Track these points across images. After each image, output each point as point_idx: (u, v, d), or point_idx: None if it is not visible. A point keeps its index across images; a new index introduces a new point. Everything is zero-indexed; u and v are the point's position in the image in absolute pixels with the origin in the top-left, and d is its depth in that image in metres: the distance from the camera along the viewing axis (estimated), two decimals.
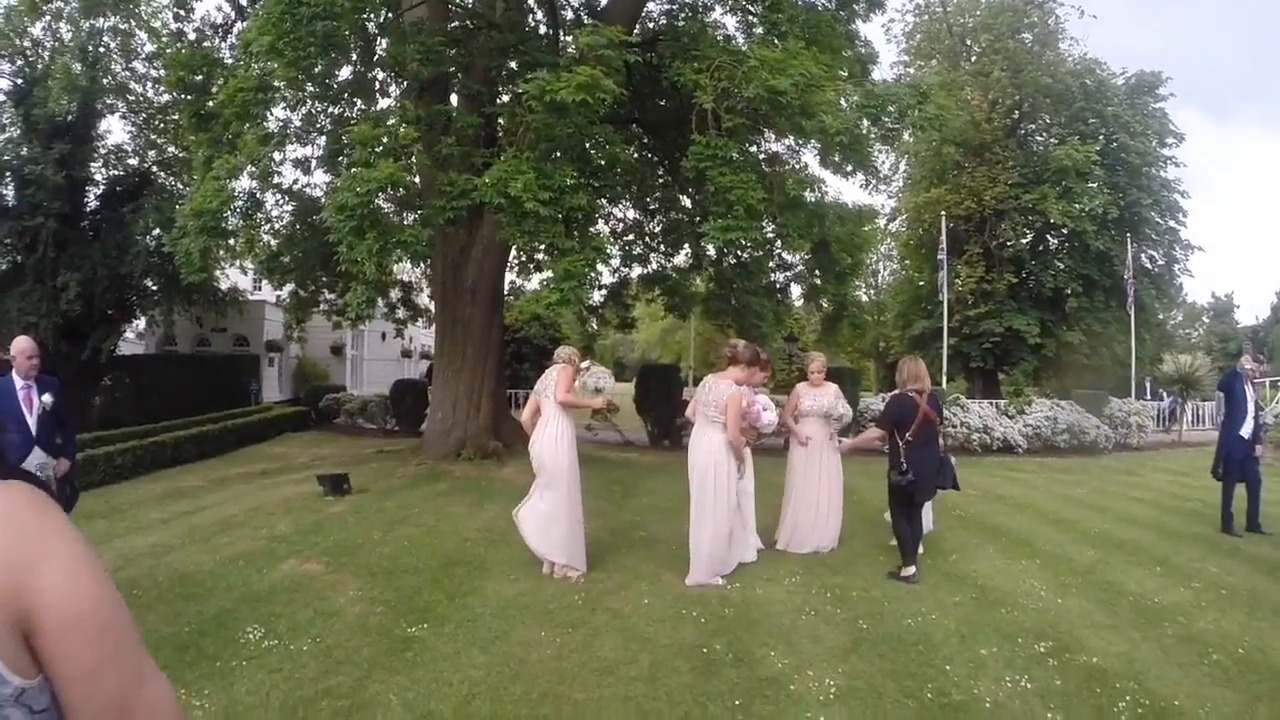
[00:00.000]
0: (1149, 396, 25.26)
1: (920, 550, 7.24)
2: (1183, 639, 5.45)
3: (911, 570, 6.80)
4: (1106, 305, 28.31)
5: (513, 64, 13.20)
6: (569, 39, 13.53)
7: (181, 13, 17.26)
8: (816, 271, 17.23)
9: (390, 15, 13.14)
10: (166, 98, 20.07)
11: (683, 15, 15.70)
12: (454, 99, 13.86)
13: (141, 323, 25.76)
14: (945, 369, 25.36)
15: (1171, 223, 29.65)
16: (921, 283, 33.13)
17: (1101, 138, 28.40)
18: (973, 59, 31.18)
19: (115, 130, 42.52)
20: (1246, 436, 9.09)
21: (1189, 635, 5.52)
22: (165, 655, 4.93)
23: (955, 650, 5.18)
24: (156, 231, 20.01)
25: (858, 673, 4.82)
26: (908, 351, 31.44)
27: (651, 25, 15.91)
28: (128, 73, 21.80)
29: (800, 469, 8.04)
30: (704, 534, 6.63)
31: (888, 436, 7.08)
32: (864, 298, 40.52)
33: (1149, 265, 29.67)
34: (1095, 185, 27.29)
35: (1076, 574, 7.13)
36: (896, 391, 7.25)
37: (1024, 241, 30.46)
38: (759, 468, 8.15)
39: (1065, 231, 28.52)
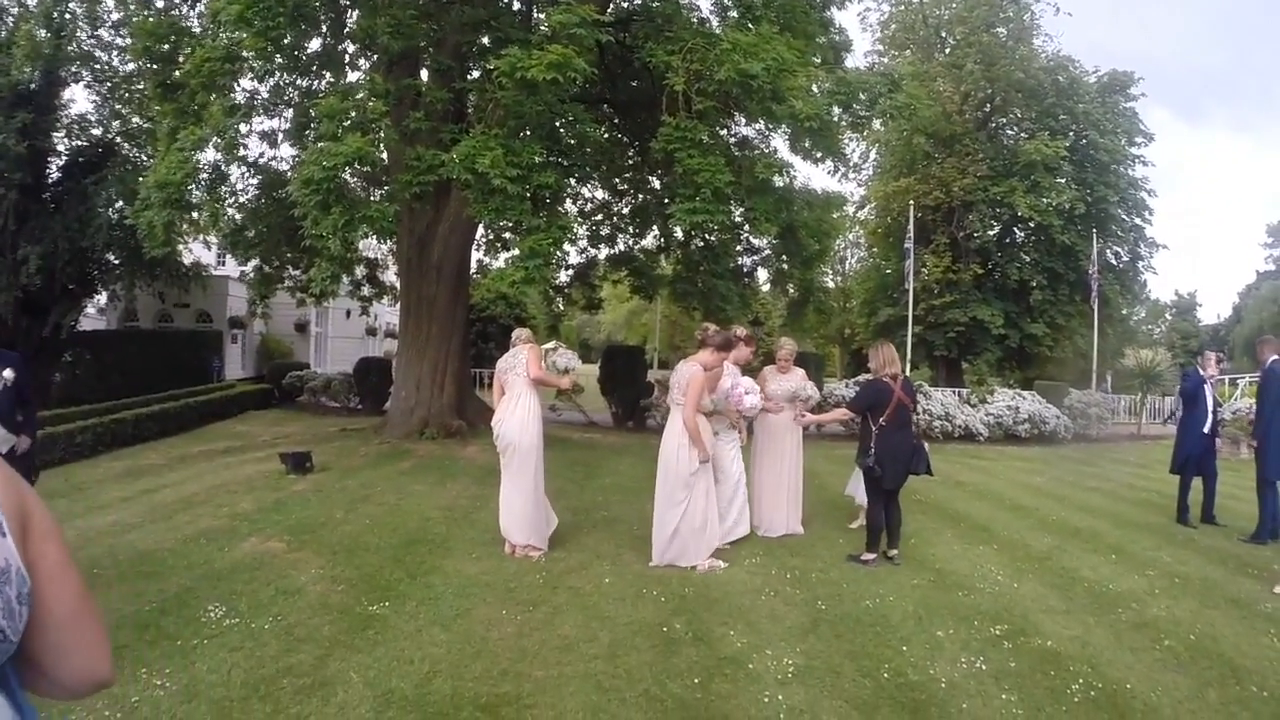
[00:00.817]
0: (1109, 390, 25.65)
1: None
2: (1136, 625, 5.56)
3: (871, 557, 6.86)
4: (1070, 299, 28.71)
5: (484, 40, 13.06)
6: (542, 16, 13.39)
7: None
8: (783, 256, 17.24)
9: None
10: (132, 66, 19.64)
11: None
12: (424, 74, 13.69)
13: (103, 298, 25.24)
14: (910, 357, 25.59)
15: (1137, 220, 30.07)
16: (888, 271, 33.36)
17: (1071, 134, 28.71)
18: (946, 51, 31.38)
19: (79, 99, 41.60)
20: (1207, 432, 9.27)
21: (1142, 621, 5.64)
22: (126, 634, 4.89)
23: (912, 631, 5.25)
24: (119, 204, 19.54)
25: (816, 652, 4.87)
26: (873, 338, 31.74)
27: (625, 5, 15.79)
28: (93, 40, 21.22)
29: (764, 453, 8.08)
30: (666, 518, 6.63)
31: (860, 421, 7.09)
32: (830, 284, 40.73)
33: (1114, 261, 30.08)
34: (1063, 181, 27.59)
35: (1033, 560, 7.25)
36: (870, 376, 7.23)
37: (991, 233, 30.80)
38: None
39: (1032, 225, 28.85)
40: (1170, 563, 7.36)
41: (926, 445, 7.26)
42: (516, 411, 6.92)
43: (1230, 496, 9.81)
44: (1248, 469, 9.44)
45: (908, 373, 20.52)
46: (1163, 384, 24.03)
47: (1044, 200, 27.23)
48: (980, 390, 18.93)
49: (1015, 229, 30.84)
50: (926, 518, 8.82)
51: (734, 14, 13.17)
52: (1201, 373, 9.49)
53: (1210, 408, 9.35)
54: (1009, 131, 31.73)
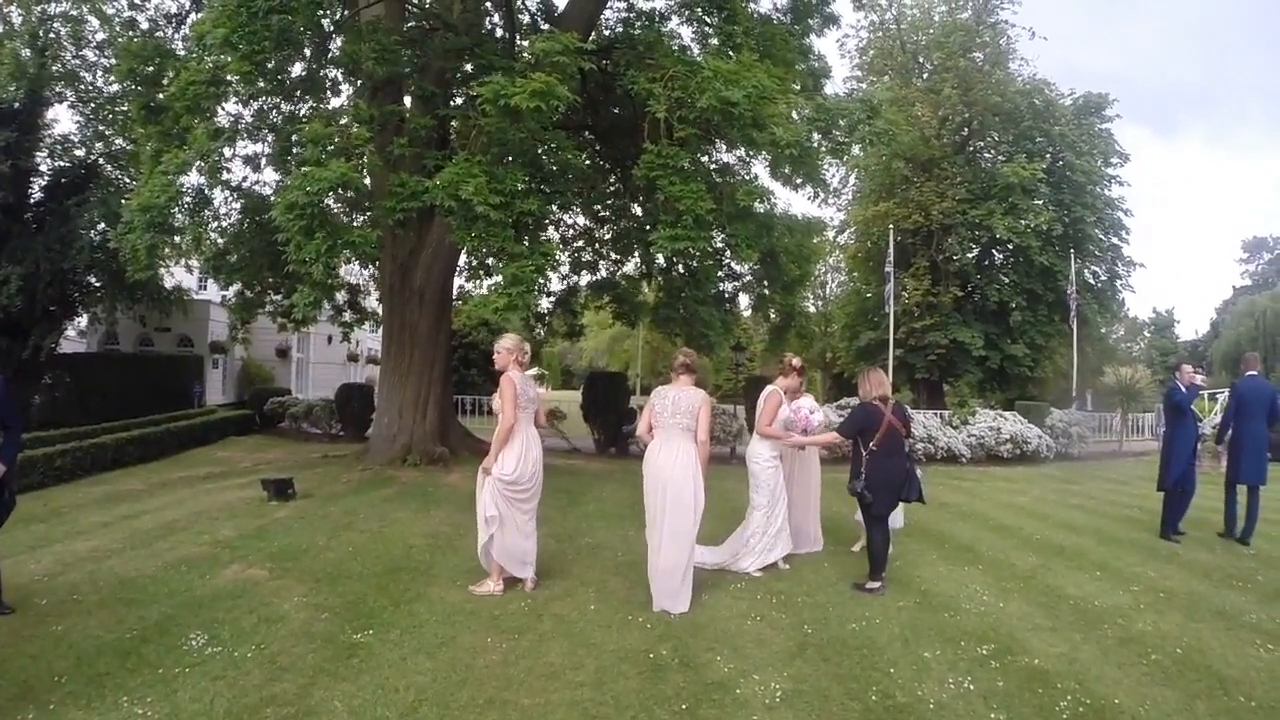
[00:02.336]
0: (1089, 408, 25.83)
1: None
2: (1122, 640, 5.61)
3: (877, 585, 6.77)
4: (1050, 319, 28.92)
5: (468, 66, 13.13)
6: (525, 43, 13.48)
7: (137, 0, 16.87)
8: (765, 282, 17.29)
9: (346, 12, 12.97)
10: (116, 88, 19.66)
11: (639, 24, 15.73)
12: (407, 100, 13.73)
13: (83, 320, 25.11)
14: (891, 380, 25.63)
15: (1114, 240, 30.39)
16: (868, 295, 33.47)
17: (1048, 156, 29.01)
18: (924, 76, 31.69)
19: (63, 120, 41.41)
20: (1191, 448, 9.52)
21: (1128, 637, 5.69)
22: (107, 661, 4.87)
23: (899, 654, 5.25)
24: (101, 226, 19.50)
25: (803, 676, 4.86)
26: (855, 362, 31.91)
27: (607, 33, 15.90)
28: (78, 60, 21.27)
29: (791, 476, 8.07)
30: (681, 556, 6.23)
31: (851, 446, 7.02)
32: (811, 308, 40.89)
33: (1092, 281, 30.35)
34: (1041, 202, 27.86)
35: (1018, 579, 7.28)
36: (860, 401, 7.17)
37: (970, 256, 30.99)
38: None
39: (1011, 247, 29.07)
40: (1155, 578, 7.44)
41: (921, 471, 7.21)
42: (539, 450, 6.84)
43: (1213, 510, 9.94)
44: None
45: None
46: (1143, 401, 24.24)
47: (1022, 222, 27.49)
48: (962, 412, 19.02)
49: (994, 251, 31.08)
50: (911, 540, 8.83)
51: (715, 42, 13.31)
52: (1184, 389, 9.62)
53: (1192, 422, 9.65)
54: (987, 155, 32.05)
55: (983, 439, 17.86)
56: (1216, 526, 9.64)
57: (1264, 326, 45.85)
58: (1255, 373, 9.61)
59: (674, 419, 6.39)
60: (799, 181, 13.08)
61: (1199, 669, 5.09)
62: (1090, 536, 9.40)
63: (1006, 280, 29.71)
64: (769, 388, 7.59)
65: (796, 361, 7.85)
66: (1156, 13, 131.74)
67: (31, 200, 21.14)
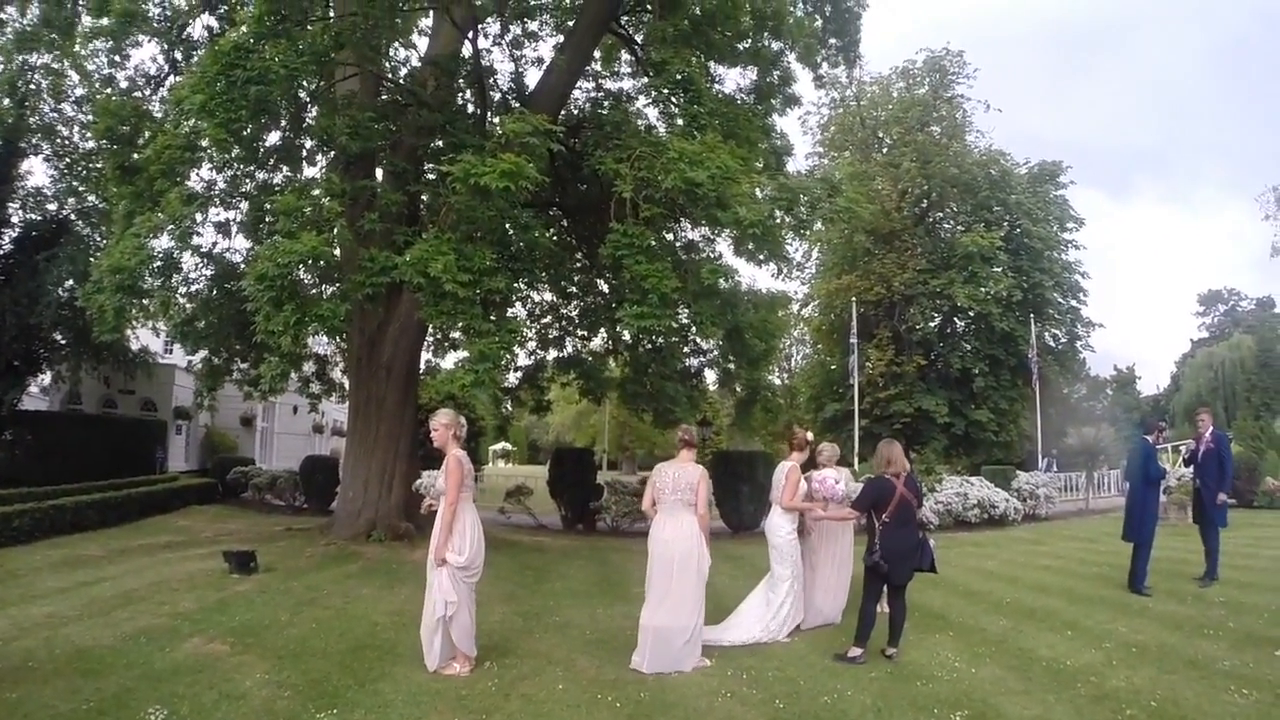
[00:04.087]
0: (1055, 468, 26.04)
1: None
2: (1095, 698, 5.66)
3: (859, 652, 6.81)
4: (1013, 383, 29.41)
5: (439, 143, 13.30)
6: (496, 120, 13.69)
7: (117, 59, 17.02)
8: (730, 357, 17.37)
9: (323, 84, 13.14)
10: (92, 144, 19.61)
11: (607, 103, 16.06)
12: (379, 173, 13.87)
13: (47, 378, 24.71)
14: (857, 450, 25.91)
15: (1073, 302, 31.21)
16: (833, 366, 33.92)
17: (1006, 224, 29.87)
18: (884, 150, 32.62)
19: (37, 172, 41.29)
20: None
21: (1101, 694, 5.74)
22: None
23: None
24: (70, 283, 19.38)
25: None
26: (820, 434, 32.08)
27: (576, 112, 16.23)
28: (55, 114, 21.32)
29: (813, 551, 8.26)
30: (687, 619, 6.60)
31: (866, 519, 7.24)
32: (777, 381, 41.21)
33: (1052, 343, 30.99)
34: (1000, 269, 28.56)
35: (990, 643, 7.32)
36: (873, 475, 7.40)
37: (932, 325, 31.60)
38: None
39: (971, 314, 29.69)
40: (1126, 633, 7.54)
41: (933, 541, 7.32)
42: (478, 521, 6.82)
43: (1183, 561, 10.21)
44: (1193, 533, 10.05)
45: (855, 466, 20.69)
46: (1108, 459, 24.55)
47: (982, 290, 28.12)
48: (929, 479, 19.12)
49: (955, 319, 31.73)
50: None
51: (680, 122, 13.57)
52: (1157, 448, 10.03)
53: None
54: (946, 225, 32.92)
55: (950, 505, 17.92)
56: (1188, 576, 9.98)
57: (1223, 377, 46.65)
58: (1213, 427, 10.35)
59: (674, 494, 6.80)
60: (762, 258, 13.30)
61: None
62: (1060, 596, 9.49)
63: (968, 347, 30.25)
64: (786, 464, 7.93)
65: (810, 436, 8.26)
66: (1108, 78, 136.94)
67: (1, 252, 20.99)
